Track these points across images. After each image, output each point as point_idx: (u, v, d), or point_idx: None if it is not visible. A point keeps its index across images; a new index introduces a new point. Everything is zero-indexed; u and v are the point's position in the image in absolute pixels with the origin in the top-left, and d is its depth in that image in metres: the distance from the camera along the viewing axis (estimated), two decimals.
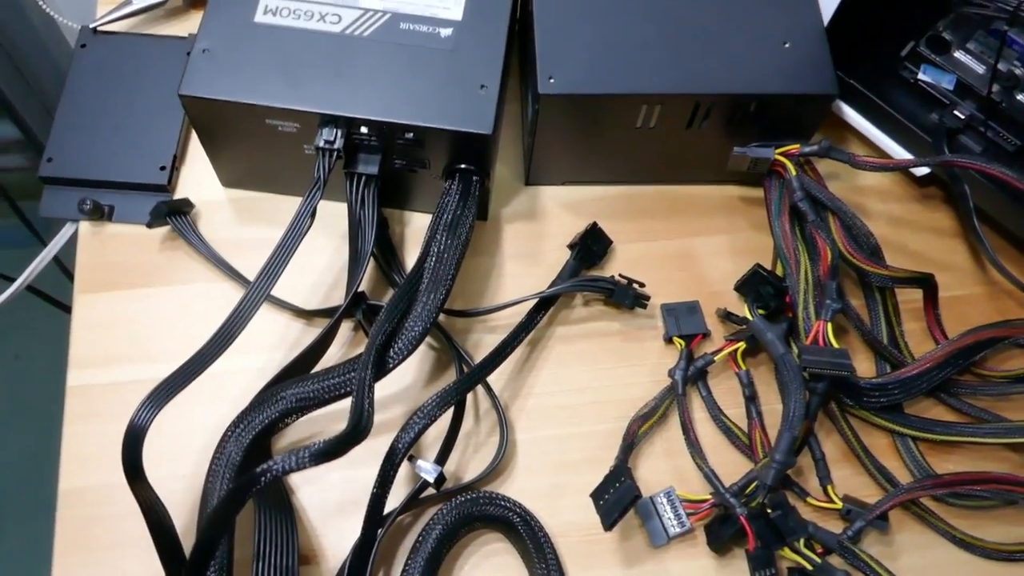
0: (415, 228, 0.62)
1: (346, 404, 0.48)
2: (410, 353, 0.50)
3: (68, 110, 0.63)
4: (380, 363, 0.50)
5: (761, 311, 0.56)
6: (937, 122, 0.62)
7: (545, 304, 0.57)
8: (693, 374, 0.56)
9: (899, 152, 0.63)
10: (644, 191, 0.64)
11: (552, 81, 0.54)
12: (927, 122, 0.62)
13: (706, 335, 0.58)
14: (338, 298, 0.59)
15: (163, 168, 0.61)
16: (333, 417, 0.54)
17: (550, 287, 0.57)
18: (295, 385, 0.50)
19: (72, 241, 0.62)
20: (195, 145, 0.64)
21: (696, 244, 0.62)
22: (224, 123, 0.55)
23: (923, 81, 0.62)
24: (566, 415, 0.56)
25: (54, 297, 0.93)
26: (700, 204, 0.64)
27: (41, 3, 0.73)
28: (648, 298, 0.58)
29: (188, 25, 0.68)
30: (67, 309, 0.59)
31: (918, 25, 0.63)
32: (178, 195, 0.62)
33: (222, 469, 0.49)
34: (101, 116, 0.63)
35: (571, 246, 0.60)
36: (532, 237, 0.62)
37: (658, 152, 0.60)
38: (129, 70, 0.64)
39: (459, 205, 0.54)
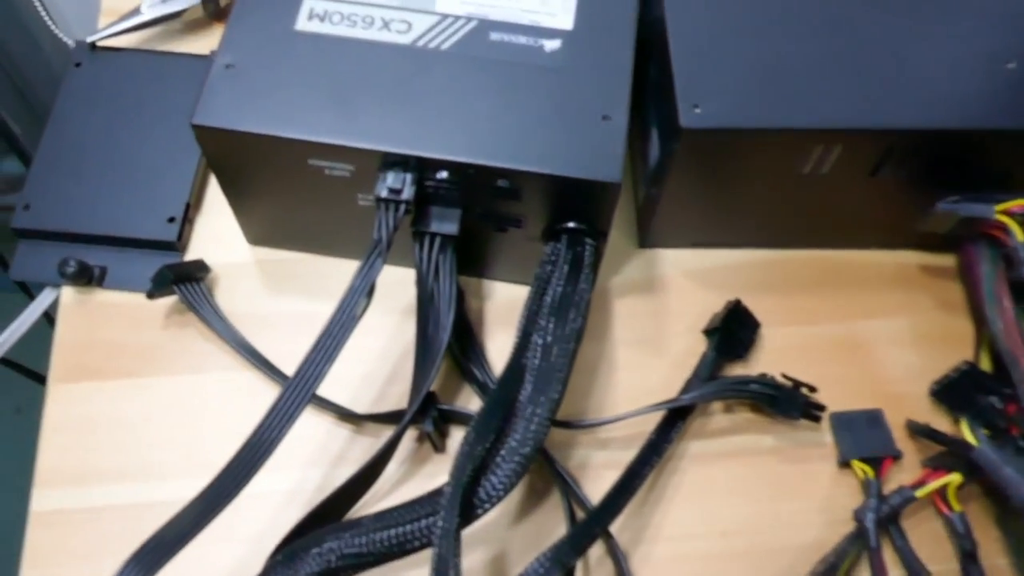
0: (497, 303, 0.47)
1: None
2: (509, 491, 0.35)
3: (54, 144, 0.49)
4: (466, 506, 0.35)
5: (986, 431, 0.41)
6: None
7: (679, 415, 0.42)
8: (884, 515, 0.41)
9: None
10: (794, 257, 0.49)
11: (698, 112, 0.40)
12: None
13: (896, 458, 0.43)
14: (396, 396, 0.44)
15: (172, 220, 0.47)
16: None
17: (686, 391, 0.42)
18: (342, 533, 0.35)
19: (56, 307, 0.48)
20: (214, 191, 0.50)
21: (867, 329, 0.47)
22: (253, 164, 0.41)
23: None
24: (709, 569, 0.41)
25: (33, 370, 0.79)
26: (869, 275, 0.49)
27: (46, 19, 0.60)
28: (822, 408, 0.42)
29: (211, 42, 0.55)
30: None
31: None
32: (190, 255, 0.48)
33: None
34: (95, 153, 0.49)
35: (708, 332, 0.45)
36: (652, 317, 0.47)
37: (824, 207, 0.46)
38: (134, 95, 0.51)
39: (568, 279, 0.39)
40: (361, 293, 0.38)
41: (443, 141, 0.38)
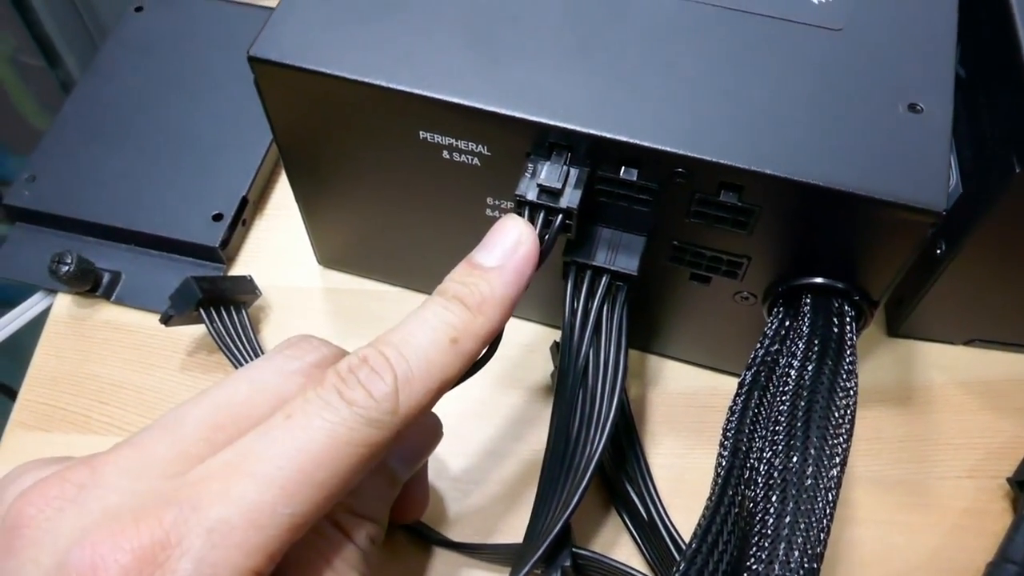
0: (668, 393, 0.31)
1: None
2: None
3: (84, 103, 0.37)
4: None
5: None
6: None
7: None
8: None
9: None
10: None
11: None
12: None
13: None
14: (515, 525, 0.28)
15: (218, 218, 0.34)
16: None
17: None
18: None
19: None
20: (282, 189, 0.36)
21: None
22: (334, 132, 0.27)
23: None
24: None
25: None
26: None
27: None
28: None
29: None
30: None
31: None
32: (236, 270, 0.34)
33: None
34: (134, 121, 0.36)
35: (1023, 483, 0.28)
36: (909, 445, 0.30)
37: None
38: (198, 52, 0.38)
39: (822, 369, 0.23)
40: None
41: (640, 118, 0.23)
